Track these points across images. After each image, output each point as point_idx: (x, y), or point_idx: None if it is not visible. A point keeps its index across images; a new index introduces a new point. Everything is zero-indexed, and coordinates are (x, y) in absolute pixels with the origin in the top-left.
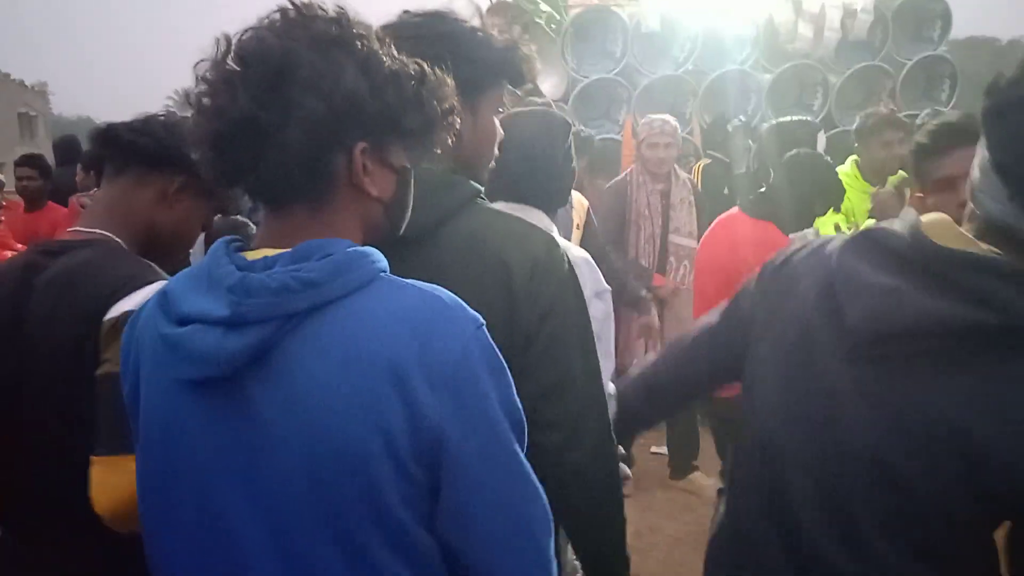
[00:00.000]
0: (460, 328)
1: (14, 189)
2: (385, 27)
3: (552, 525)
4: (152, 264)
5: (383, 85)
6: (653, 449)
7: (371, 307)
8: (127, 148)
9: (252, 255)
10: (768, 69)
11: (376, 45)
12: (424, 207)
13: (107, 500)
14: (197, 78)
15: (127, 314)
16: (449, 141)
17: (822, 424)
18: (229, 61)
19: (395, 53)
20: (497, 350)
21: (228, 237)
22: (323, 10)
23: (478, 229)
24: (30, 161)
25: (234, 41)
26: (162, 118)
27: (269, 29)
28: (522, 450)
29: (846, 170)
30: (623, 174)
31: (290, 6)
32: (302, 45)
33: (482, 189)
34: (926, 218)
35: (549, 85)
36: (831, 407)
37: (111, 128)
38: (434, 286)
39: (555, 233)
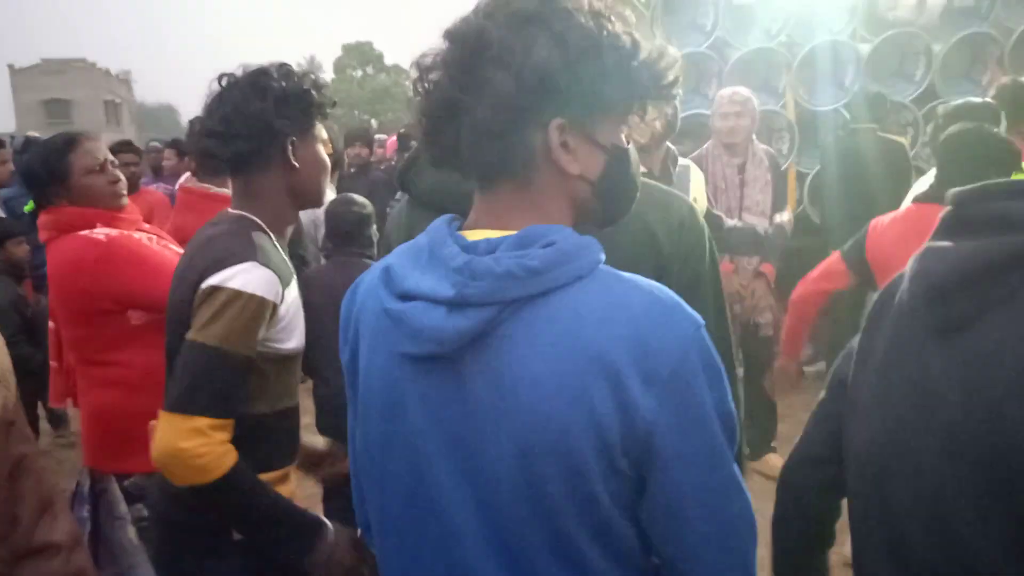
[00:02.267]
0: (680, 328)
1: None
2: None
3: (756, 531)
4: (258, 244)
5: (580, 58)
6: None
7: (590, 299)
8: (231, 155)
9: (471, 235)
10: (867, 39)
11: (582, 18)
12: None
13: (157, 452)
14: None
15: (212, 287)
16: (667, 115)
17: (922, 429)
18: (434, 46)
19: (611, 26)
20: (715, 351)
21: (449, 216)
22: None
23: None
24: (129, 147)
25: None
26: (235, 94)
27: (475, 9)
28: (733, 451)
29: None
30: (702, 147)
31: None
32: (497, 22)
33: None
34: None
35: None
36: (926, 404)
37: (210, 138)
38: (653, 283)
39: None
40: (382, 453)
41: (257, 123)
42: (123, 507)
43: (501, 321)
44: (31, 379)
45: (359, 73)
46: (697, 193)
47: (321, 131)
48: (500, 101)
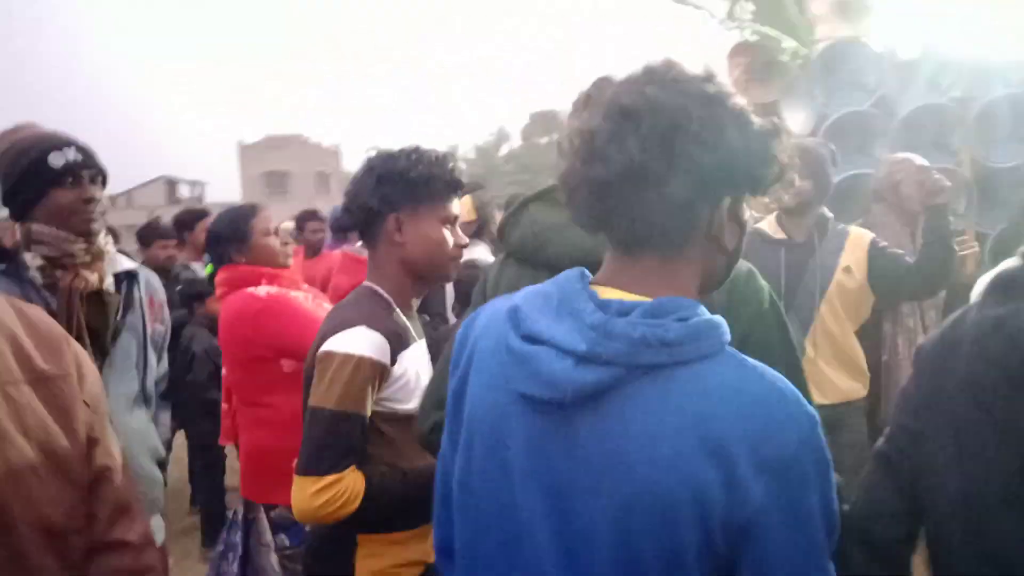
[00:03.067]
0: (797, 423)
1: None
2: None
3: None
4: (371, 311)
5: (754, 142)
6: None
7: (714, 379)
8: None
9: (604, 293)
10: None
11: (743, 103)
12: None
13: (298, 513)
14: (569, 128)
15: (325, 353)
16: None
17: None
18: (611, 113)
19: (750, 110)
20: (827, 449)
21: (579, 270)
22: (690, 69)
23: None
24: (314, 216)
25: (609, 95)
26: (358, 173)
27: (650, 84)
28: (831, 550)
29: None
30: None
31: (659, 64)
32: (691, 101)
33: None
34: None
35: (796, 122)
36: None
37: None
38: (776, 373)
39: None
40: (479, 485)
41: (357, 199)
42: (269, 535)
43: (625, 383)
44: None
45: (544, 140)
46: (851, 261)
47: (451, 208)
48: (697, 177)
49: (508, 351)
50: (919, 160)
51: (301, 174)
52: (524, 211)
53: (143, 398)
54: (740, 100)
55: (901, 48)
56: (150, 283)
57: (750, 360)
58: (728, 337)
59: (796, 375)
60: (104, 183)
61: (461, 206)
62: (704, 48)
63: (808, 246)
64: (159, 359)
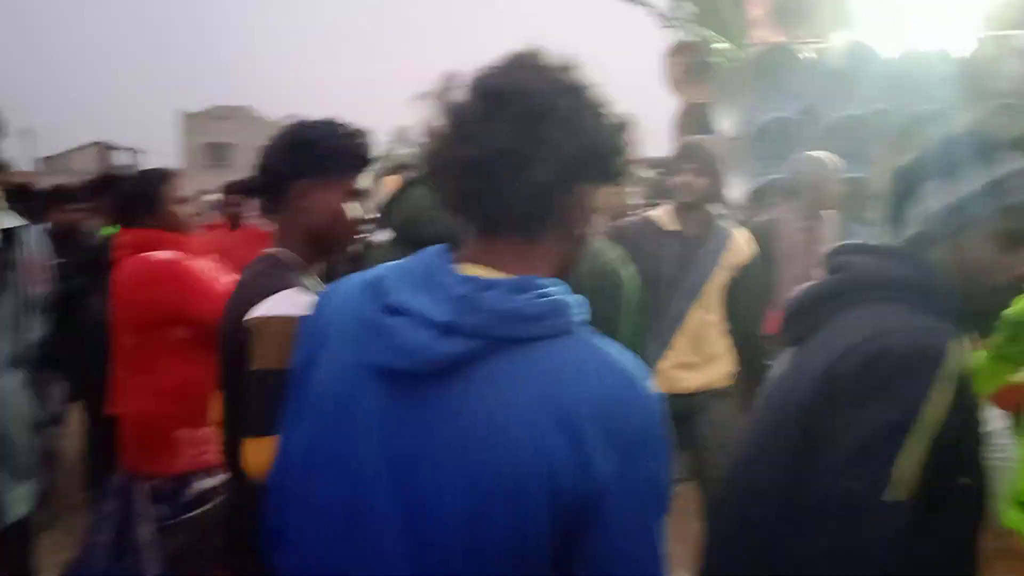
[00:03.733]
0: (646, 400)
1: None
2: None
3: None
4: (292, 274)
5: (608, 133)
6: None
7: (568, 356)
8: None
9: (467, 269)
10: (968, 109)
11: (600, 94)
12: None
13: (255, 472)
14: (436, 110)
15: (256, 318)
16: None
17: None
18: (479, 96)
19: (605, 101)
20: (666, 426)
21: (442, 246)
22: (555, 57)
23: None
24: (236, 187)
25: (475, 78)
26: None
27: (518, 69)
28: (662, 511)
29: None
30: (776, 212)
31: (525, 50)
32: (556, 88)
33: None
34: None
35: (726, 125)
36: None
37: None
38: (624, 352)
39: None
40: (322, 464)
41: (268, 163)
42: (146, 505)
43: (485, 356)
44: None
45: None
46: (735, 258)
47: (357, 182)
48: (560, 162)
49: (366, 323)
50: (832, 162)
51: (246, 147)
52: (406, 192)
53: (18, 361)
54: (598, 91)
55: (830, 58)
56: (34, 244)
57: (601, 339)
58: (583, 316)
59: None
60: None
61: (385, 184)
62: (643, 44)
63: (699, 240)
64: (37, 323)
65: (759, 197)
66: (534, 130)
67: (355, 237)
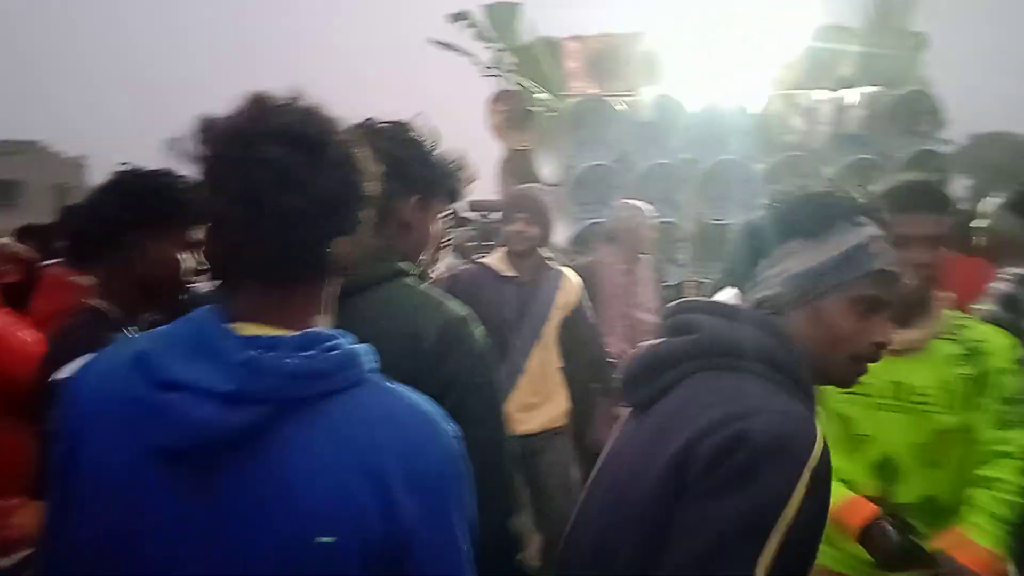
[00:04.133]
0: (443, 441)
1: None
2: (360, 125)
3: None
4: (113, 328)
5: (359, 185)
6: None
7: (363, 406)
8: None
9: (244, 329)
10: (761, 160)
11: (342, 141)
12: (355, 273)
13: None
14: (193, 154)
15: (65, 379)
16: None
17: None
18: (215, 144)
19: (355, 149)
20: (464, 457)
21: (209, 306)
22: (298, 103)
23: (395, 298)
24: (31, 233)
25: (209, 125)
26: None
27: (241, 119)
28: (469, 545)
29: None
30: (595, 256)
31: (264, 97)
32: (278, 141)
33: (412, 271)
34: None
35: (547, 171)
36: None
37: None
38: (419, 394)
39: None
40: (120, 554)
41: (99, 213)
42: None
43: (276, 419)
44: None
45: None
46: (568, 298)
47: (197, 233)
48: (327, 211)
49: (138, 403)
50: (647, 208)
51: (37, 185)
52: None
53: None
54: (339, 139)
55: (640, 110)
56: None
57: (394, 385)
58: (376, 364)
59: (495, 407)
60: None
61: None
62: (467, 92)
63: (533, 284)
64: None
65: (580, 241)
66: (301, 179)
67: (186, 287)
